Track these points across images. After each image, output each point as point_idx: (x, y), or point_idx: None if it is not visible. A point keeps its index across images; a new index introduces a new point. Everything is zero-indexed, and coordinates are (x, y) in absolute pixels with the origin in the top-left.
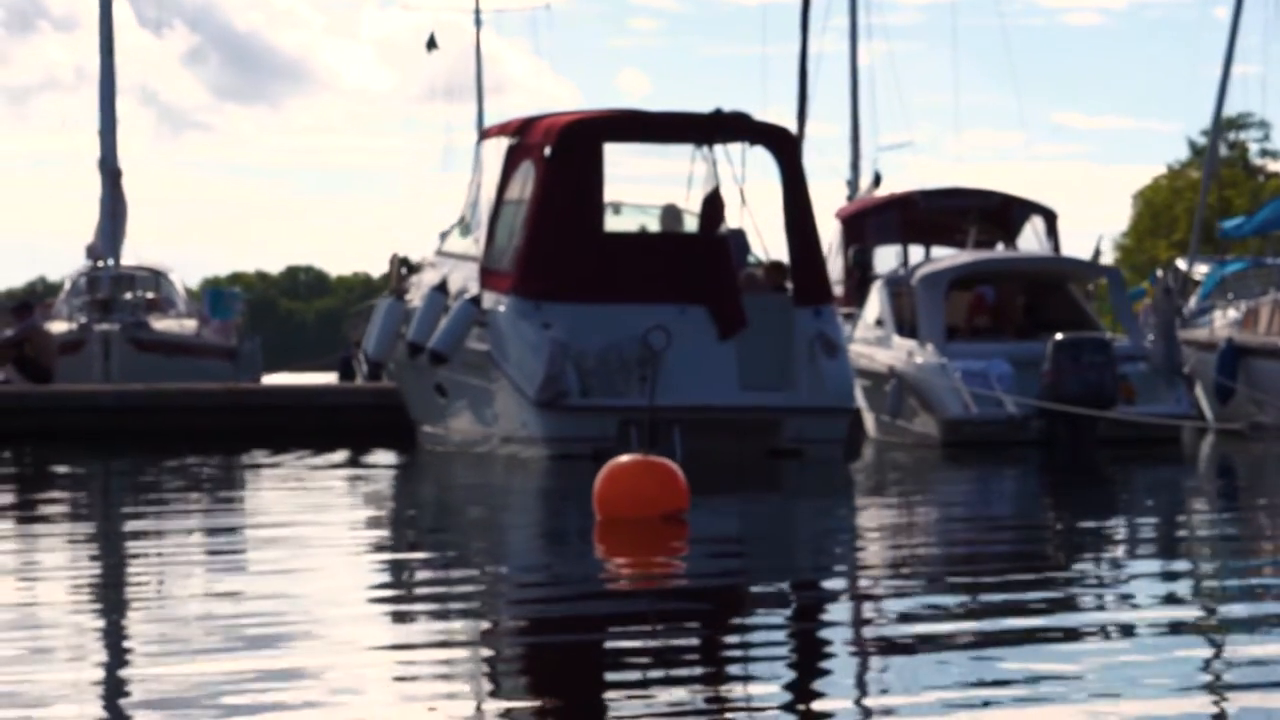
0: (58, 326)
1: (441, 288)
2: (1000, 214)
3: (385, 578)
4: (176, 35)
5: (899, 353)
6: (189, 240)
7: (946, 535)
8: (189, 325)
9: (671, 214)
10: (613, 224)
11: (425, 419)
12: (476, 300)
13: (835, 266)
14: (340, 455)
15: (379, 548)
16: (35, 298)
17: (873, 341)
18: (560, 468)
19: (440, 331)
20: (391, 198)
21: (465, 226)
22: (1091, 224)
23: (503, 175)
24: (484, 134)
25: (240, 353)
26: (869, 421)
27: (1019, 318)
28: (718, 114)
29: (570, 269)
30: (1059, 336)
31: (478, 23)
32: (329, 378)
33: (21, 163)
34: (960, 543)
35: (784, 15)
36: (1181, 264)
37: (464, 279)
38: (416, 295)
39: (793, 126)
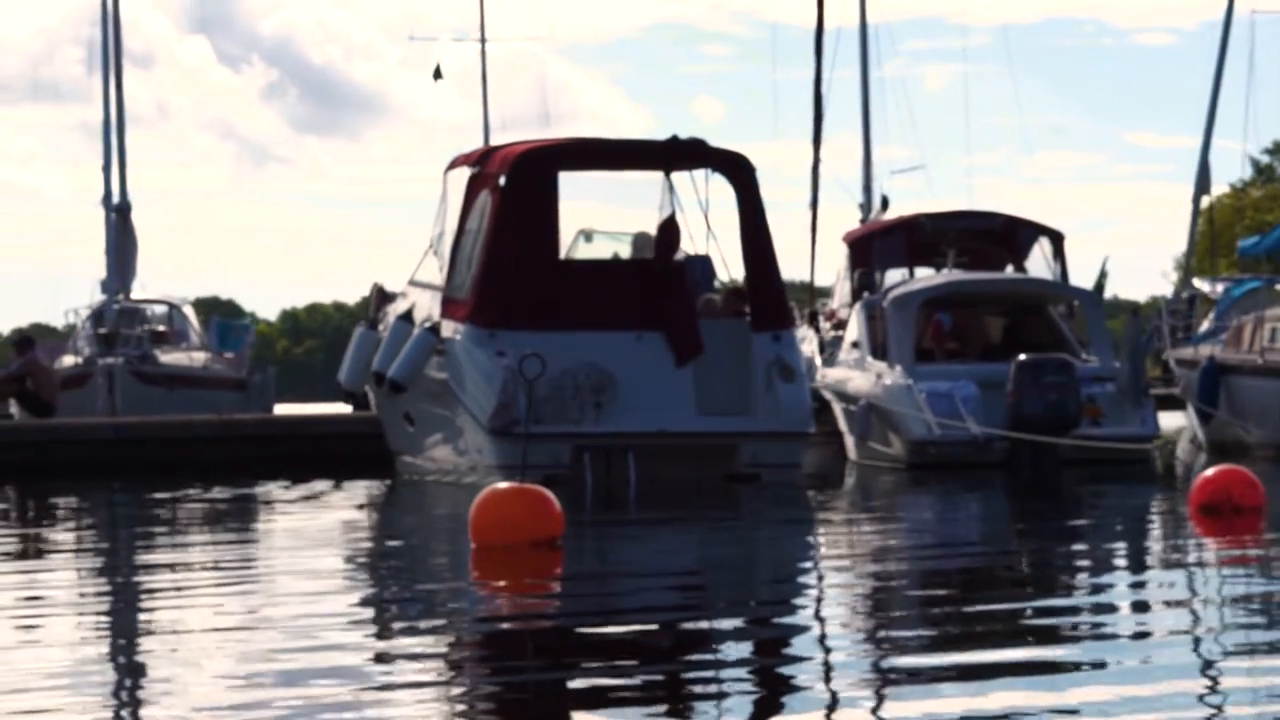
0: (68, 361)
1: (407, 316)
2: (1006, 236)
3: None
4: (255, 70)
5: (869, 375)
6: (268, 271)
7: (866, 559)
8: (198, 358)
9: (644, 241)
10: (584, 251)
11: (399, 448)
12: (435, 329)
13: (843, 290)
14: (308, 488)
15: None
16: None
17: (851, 364)
18: None
19: (399, 361)
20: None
21: (432, 256)
22: (1163, 243)
23: (464, 205)
24: (451, 164)
25: (250, 384)
26: (848, 444)
27: (989, 340)
28: (674, 141)
29: (525, 297)
30: (1021, 357)
31: (483, 52)
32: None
33: (95, 198)
34: (884, 568)
35: (837, 40)
36: (1202, 285)
37: (428, 308)
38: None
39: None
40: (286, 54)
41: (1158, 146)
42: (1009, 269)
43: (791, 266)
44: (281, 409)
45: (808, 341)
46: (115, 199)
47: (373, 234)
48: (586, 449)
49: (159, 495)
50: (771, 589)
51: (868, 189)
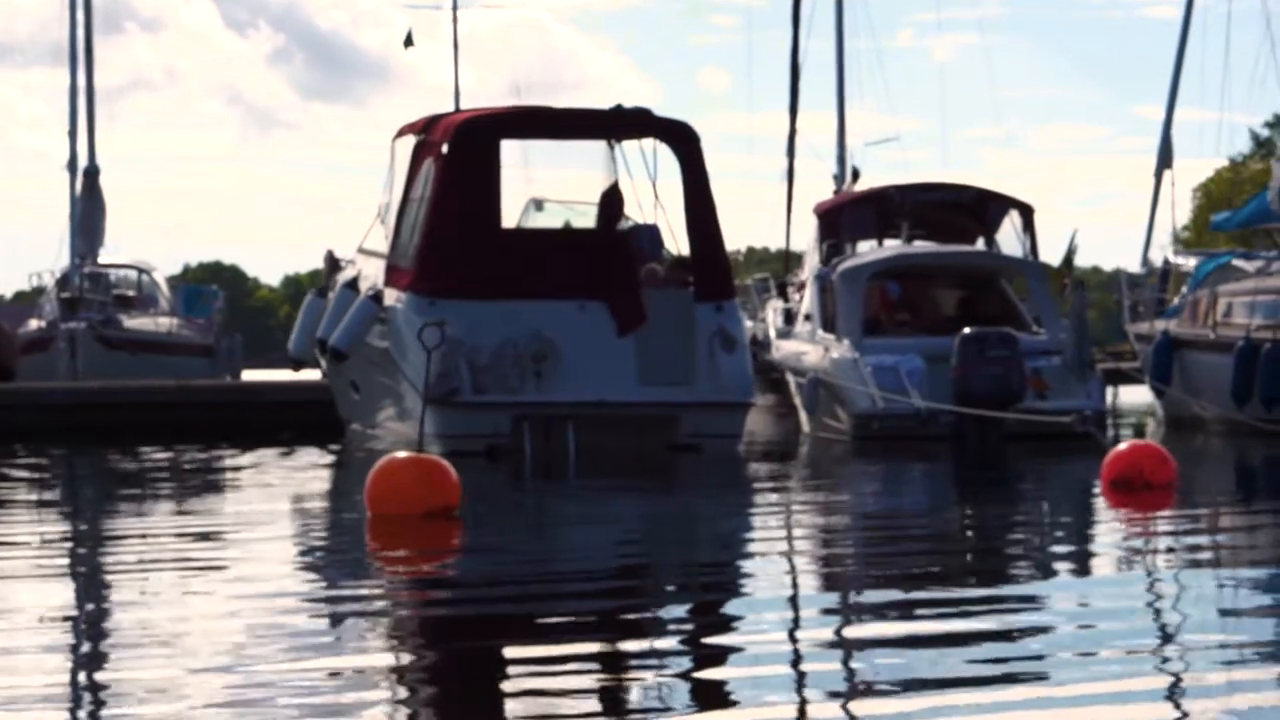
0: (34, 324)
1: (353, 284)
2: (977, 208)
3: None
4: (261, 35)
5: (818, 348)
6: (274, 237)
7: (780, 536)
8: (164, 323)
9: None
10: (536, 220)
11: (348, 415)
12: (377, 297)
13: (812, 261)
14: (253, 456)
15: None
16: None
17: (804, 337)
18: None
19: (340, 329)
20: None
21: (380, 224)
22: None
23: (409, 173)
24: (399, 132)
25: (217, 350)
26: (803, 418)
27: (940, 312)
28: (618, 110)
29: (466, 266)
30: (965, 331)
31: (454, 19)
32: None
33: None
34: (790, 546)
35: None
36: (1176, 260)
37: (373, 276)
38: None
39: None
40: (293, 19)
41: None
42: (980, 242)
43: (771, 236)
44: (250, 375)
45: (776, 312)
46: (83, 163)
47: (377, 200)
48: (526, 419)
49: (101, 461)
50: (662, 568)
51: (842, 160)
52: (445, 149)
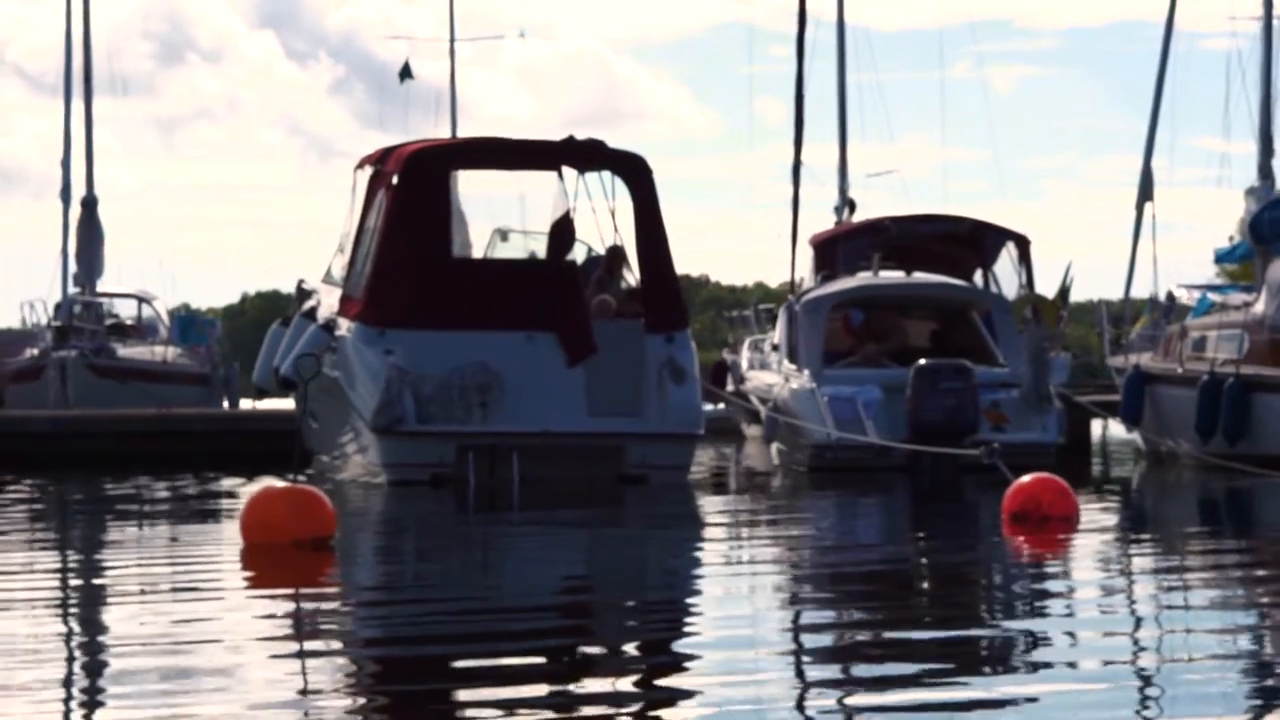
0: (29, 353)
1: (310, 314)
2: (972, 240)
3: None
4: (321, 66)
5: (781, 378)
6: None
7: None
8: (159, 351)
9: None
10: (501, 250)
11: (311, 445)
12: (329, 326)
13: None
14: (212, 486)
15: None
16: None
17: (773, 367)
18: (394, 493)
19: (291, 358)
20: (536, 224)
21: (340, 253)
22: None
23: (365, 203)
24: (359, 162)
25: (213, 379)
26: (771, 448)
27: (906, 342)
28: (570, 141)
29: (415, 296)
30: (920, 363)
31: (452, 52)
32: None
33: (164, 192)
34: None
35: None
36: (1180, 292)
37: (330, 305)
38: None
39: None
40: (352, 50)
41: (1223, 151)
42: (977, 273)
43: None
44: (248, 404)
45: (770, 342)
46: (80, 193)
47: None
48: (471, 448)
49: (60, 491)
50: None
51: (843, 192)
52: (395, 180)
